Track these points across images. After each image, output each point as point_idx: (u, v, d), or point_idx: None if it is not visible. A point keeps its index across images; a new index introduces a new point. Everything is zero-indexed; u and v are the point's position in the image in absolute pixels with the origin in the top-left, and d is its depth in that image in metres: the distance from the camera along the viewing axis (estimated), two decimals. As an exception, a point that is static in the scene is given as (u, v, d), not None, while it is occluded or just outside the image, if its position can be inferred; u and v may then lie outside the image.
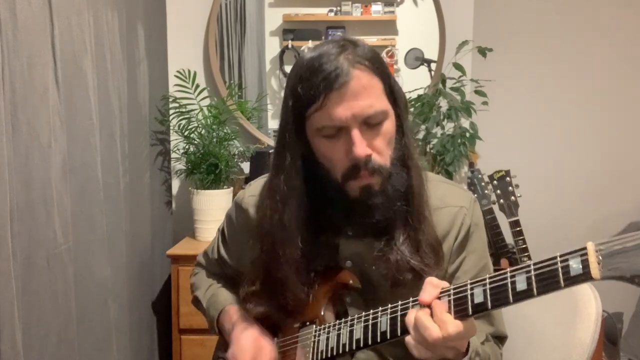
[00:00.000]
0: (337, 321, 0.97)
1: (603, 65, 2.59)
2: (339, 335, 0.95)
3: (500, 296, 0.77)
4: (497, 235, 2.12)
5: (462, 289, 0.81)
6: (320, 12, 2.40)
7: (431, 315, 0.81)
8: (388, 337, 0.88)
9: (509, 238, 2.12)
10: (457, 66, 2.30)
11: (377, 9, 2.40)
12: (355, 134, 0.92)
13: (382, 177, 0.95)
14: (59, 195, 1.36)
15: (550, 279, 0.72)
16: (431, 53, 2.41)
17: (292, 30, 2.41)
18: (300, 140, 0.98)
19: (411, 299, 0.87)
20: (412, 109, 2.25)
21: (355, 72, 0.92)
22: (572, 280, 0.70)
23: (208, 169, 2.12)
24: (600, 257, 0.68)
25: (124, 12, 1.83)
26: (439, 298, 0.82)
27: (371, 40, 2.38)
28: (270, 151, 2.19)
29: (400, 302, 0.88)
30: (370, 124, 0.94)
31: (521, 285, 0.75)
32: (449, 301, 0.81)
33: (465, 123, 2.31)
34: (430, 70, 2.41)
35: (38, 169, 1.30)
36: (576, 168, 2.63)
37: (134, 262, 1.93)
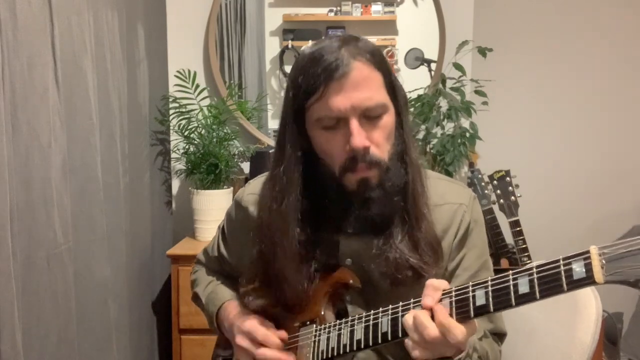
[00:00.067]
0: (338, 321, 0.97)
1: (603, 65, 2.59)
2: (339, 336, 0.95)
3: (503, 299, 0.76)
4: (497, 235, 2.12)
5: (463, 290, 0.81)
6: (320, 12, 2.41)
7: (432, 319, 0.80)
8: (389, 338, 0.88)
9: (509, 238, 2.12)
10: (457, 66, 2.30)
11: (377, 9, 2.40)
12: (354, 124, 0.92)
13: (380, 171, 0.95)
14: (59, 195, 1.36)
15: (553, 283, 0.72)
16: (431, 53, 2.41)
17: (292, 30, 2.41)
18: (300, 133, 0.98)
19: (412, 300, 0.86)
20: (412, 109, 2.25)
21: (356, 63, 0.93)
22: (575, 284, 0.70)
23: (208, 169, 2.12)
24: (604, 261, 0.68)
25: (124, 12, 1.83)
26: (440, 300, 0.82)
27: (371, 40, 2.38)
28: (271, 151, 2.20)
29: (401, 303, 0.88)
30: (369, 116, 0.94)
31: (523, 288, 0.74)
32: (451, 303, 0.81)
33: (465, 123, 2.31)
34: (430, 70, 2.41)
35: (38, 169, 1.30)
36: (576, 168, 2.63)
37: (134, 262, 1.93)
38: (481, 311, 0.78)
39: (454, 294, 0.81)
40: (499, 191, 2.08)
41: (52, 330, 1.35)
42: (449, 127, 2.31)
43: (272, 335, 1.02)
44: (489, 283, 0.78)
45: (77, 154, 1.48)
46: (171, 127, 2.23)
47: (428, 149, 2.29)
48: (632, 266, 0.66)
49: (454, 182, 1.12)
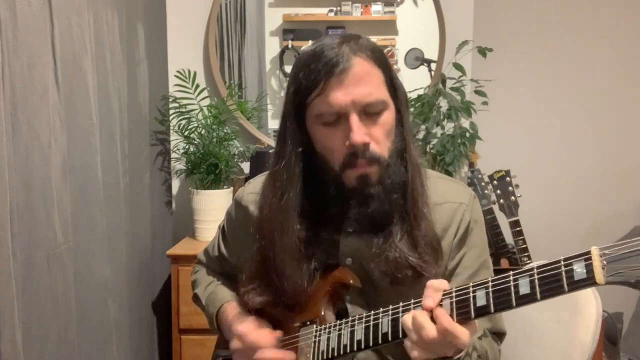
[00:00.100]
0: (338, 321, 0.97)
1: (603, 65, 2.59)
2: (339, 336, 0.95)
3: (503, 300, 0.76)
4: (497, 235, 2.12)
5: (464, 291, 0.80)
6: (320, 12, 2.41)
7: (433, 320, 0.80)
8: (389, 338, 0.88)
9: (509, 238, 2.12)
10: (457, 66, 2.30)
11: (377, 9, 2.40)
12: (354, 120, 0.93)
13: (380, 168, 0.95)
14: (59, 195, 1.36)
15: (553, 283, 0.72)
16: (431, 53, 2.41)
17: (292, 30, 2.41)
18: (300, 129, 0.99)
19: (412, 300, 0.86)
20: (412, 109, 2.25)
21: (356, 59, 0.93)
22: (576, 285, 0.70)
23: (208, 169, 2.12)
24: (605, 262, 0.68)
25: (124, 12, 1.83)
26: (440, 304, 0.82)
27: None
28: (271, 151, 2.19)
29: (401, 304, 0.88)
30: (369, 113, 0.94)
31: (524, 289, 0.74)
32: (451, 303, 0.81)
33: (465, 123, 2.31)
34: (430, 70, 2.41)
35: (38, 169, 1.30)
36: (576, 168, 2.63)
37: (134, 262, 1.93)
38: (482, 312, 0.78)
39: (454, 294, 0.81)
40: (499, 191, 2.08)
41: (52, 330, 1.35)
42: (449, 127, 2.31)
43: (265, 336, 1.02)
44: (490, 284, 0.78)
45: (77, 154, 1.48)
46: (171, 127, 2.23)
47: (428, 149, 2.29)
48: (633, 267, 0.66)
49: (454, 182, 1.12)
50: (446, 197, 1.04)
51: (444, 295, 0.82)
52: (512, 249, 2.13)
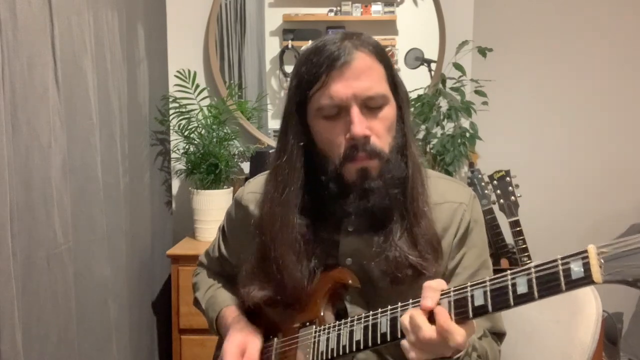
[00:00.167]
0: (337, 322, 0.97)
1: (603, 65, 2.59)
2: (339, 336, 0.95)
3: (501, 299, 0.76)
4: (497, 235, 2.12)
5: (462, 291, 0.80)
6: (320, 12, 2.41)
7: (433, 322, 0.80)
8: (388, 339, 0.88)
9: (509, 238, 2.12)
10: (457, 66, 2.30)
11: (377, 9, 2.40)
12: (355, 112, 0.93)
13: (380, 162, 0.96)
14: (59, 195, 1.36)
15: (551, 282, 0.71)
16: (431, 53, 2.41)
17: (292, 30, 2.41)
18: (302, 125, 0.99)
19: (411, 300, 0.86)
20: (412, 109, 2.25)
21: (358, 53, 0.94)
22: (574, 284, 0.70)
23: (208, 169, 2.12)
24: (602, 261, 0.67)
25: (124, 12, 1.83)
26: (438, 302, 0.81)
27: (371, 40, 2.38)
28: (271, 151, 2.19)
29: (400, 304, 0.88)
30: (370, 107, 0.95)
31: (522, 288, 0.74)
32: (449, 303, 0.80)
33: (465, 123, 2.31)
34: (430, 70, 2.41)
35: (38, 169, 1.30)
36: (576, 168, 2.63)
37: (134, 262, 1.93)
38: (480, 311, 0.78)
39: (452, 294, 0.81)
40: (499, 191, 2.08)
41: (52, 330, 1.35)
42: (449, 127, 2.31)
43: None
44: (487, 283, 0.78)
45: (77, 154, 1.48)
46: (171, 127, 2.23)
47: (428, 149, 2.29)
48: (631, 265, 0.66)
49: (454, 181, 1.12)
50: (446, 197, 1.04)
51: (442, 295, 0.82)
52: (512, 249, 2.13)
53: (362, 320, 0.92)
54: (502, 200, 2.08)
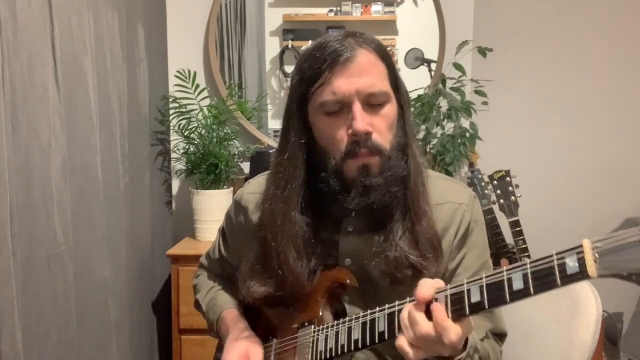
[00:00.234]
0: (336, 321, 0.97)
1: (603, 65, 2.59)
2: (337, 335, 0.95)
3: (497, 295, 0.76)
4: (497, 235, 2.12)
5: (458, 288, 0.80)
6: (320, 12, 2.41)
7: (430, 319, 0.80)
8: (386, 337, 0.88)
9: (509, 238, 2.12)
10: (457, 66, 2.30)
11: (377, 9, 2.40)
12: (357, 108, 0.93)
13: (381, 159, 0.96)
14: (59, 195, 1.36)
15: (546, 277, 0.72)
16: (431, 53, 2.41)
17: (292, 30, 2.41)
18: (303, 123, 0.99)
19: (408, 298, 0.86)
20: (412, 109, 2.25)
21: (361, 50, 0.95)
22: (569, 279, 0.70)
23: (208, 169, 2.12)
24: (597, 255, 0.67)
25: (124, 12, 1.83)
26: (435, 299, 0.82)
27: (371, 40, 2.38)
28: (271, 151, 2.20)
29: (397, 302, 0.88)
30: (372, 104, 0.95)
31: (517, 283, 0.74)
32: (446, 299, 0.81)
33: (465, 123, 2.31)
34: (430, 70, 2.41)
35: (38, 169, 1.30)
36: (576, 168, 2.63)
37: (134, 262, 1.93)
38: (476, 308, 0.78)
39: (448, 291, 0.81)
40: (499, 191, 2.08)
41: (52, 330, 1.35)
42: (449, 127, 2.31)
43: None
44: (483, 280, 0.78)
45: (77, 154, 1.48)
46: (171, 127, 2.23)
47: (428, 149, 2.29)
48: (625, 259, 0.66)
49: (454, 182, 1.12)
50: (446, 197, 1.04)
51: (438, 292, 0.82)
52: (512, 249, 2.13)
53: (360, 318, 0.92)
54: (502, 200, 2.07)
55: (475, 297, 0.78)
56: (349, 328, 0.93)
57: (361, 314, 0.93)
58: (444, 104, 2.31)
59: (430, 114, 2.25)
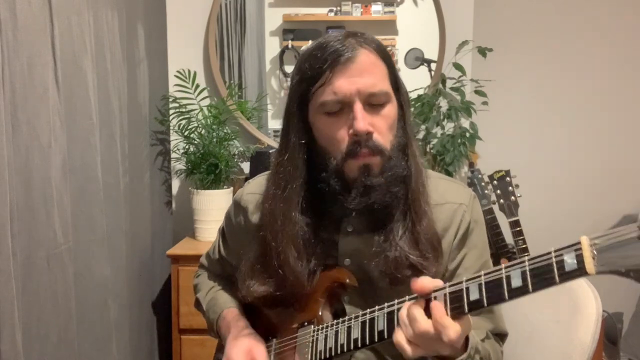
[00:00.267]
0: (335, 321, 0.97)
1: (603, 65, 2.59)
2: (336, 335, 0.95)
3: (495, 292, 0.76)
4: (497, 235, 2.12)
5: (457, 286, 0.81)
6: (320, 12, 2.41)
7: (429, 317, 0.80)
8: (385, 336, 0.88)
9: (509, 238, 2.12)
10: (457, 66, 2.30)
11: (377, 9, 2.40)
12: (358, 108, 0.93)
13: (382, 159, 0.96)
14: (59, 195, 1.36)
15: (544, 275, 0.72)
16: (431, 53, 2.41)
17: (292, 30, 2.41)
18: (304, 123, 0.99)
19: (407, 297, 0.86)
20: (412, 109, 2.25)
21: (362, 50, 0.95)
22: (567, 276, 0.70)
23: (208, 169, 2.12)
24: (595, 252, 0.68)
25: (124, 12, 1.83)
26: (434, 297, 0.82)
27: (371, 40, 2.38)
28: (271, 151, 2.20)
29: (396, 300, 0.88)
30: (373, 104, 0.95)
31: (516, 281, 0.74)
32: (445, 294, 0.81)
33: (465, 123, 2.31)
34: (430, 70, 2.41)
35: (38, 169, 1.30)
36: (576, 168, 2.63)
37: (134, 262, 1.93)
38: (475, 306, 0.78)
39: (447, 289, 0.81)
40: (499, 191, 2.08)
41: (52, 330, 1.35)
42: (449, 127, 2.31)
43: None
44: (482, 277, 0.78)
45: (77, 154, 1.48)
46: (171, 127, 2.23)
47: (428, 149, 2.29)
48: (623, 256, 0.66)
49: (454, 182, 1.11)
50: (446, 198, 1.04)
51: (437, 290, 0.82)
52: (512, 249, 2.13)
53: (360, 318, 0.92)
54: (502, 200, 2.07)
55: (474, 295, 0.78)
56: (349, 327, 0.93)
57: (360, 312, 0.93)
58: (444, 104, 2.31)
59: (430, 114, 2.25)
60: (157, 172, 2.26)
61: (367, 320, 0.91)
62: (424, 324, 0.79)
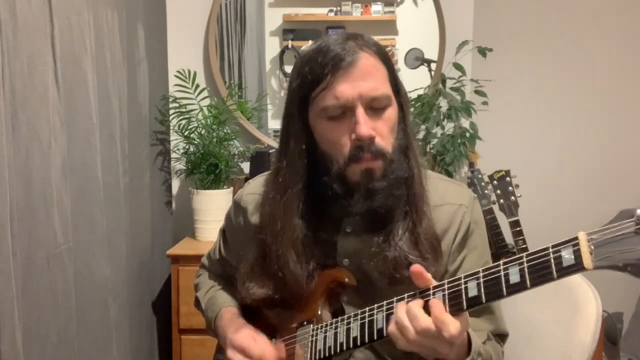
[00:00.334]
0: (334, 320, 0.97)
1: (603, 66, 2.59)
2: (336, 334, 0.95)
3: (494, 289, 0.77)
4: (497, 235, 2.12)
5: (456, 283, 0.81)
6: (320, 12, 2.41)
7: (428, 314, 0.80)
8: (384, 334, 0.88)
9: (509, 238, 2.12)
10: (457, 66, 2.30)
11: (377, 9, 2.40)
12: (360, 112, 0.93)
13: (384, 162, 0.96)
14: (59, 195, 1.36)
15: (542, 270, 0.72)
16: (431, 53, 2.41)
17: (292, 30, 2.41)
18: (304, 127, 0.99)
19: (406, 295, 0.87)
20: (412, 109, 2.25)
21: (363, 54, 0.94)
22: (565, 271, 0.70)
23: (208, 169, 2.12)
24: (592, 247, 0.68)
25: (124, 12, 1.83)
26: (433, 294, 0.82)
27: (371, 40, 2.38)
28: (271, 151, 2.20)
29: (395, 299, 0.88)
30: (374, 107, 0.95)
31: (514, 277, 0.75)
32: (443, 295, 0.81)
33: (465, 123, 2.31)
34: (430, 70, 2.41)
35: (38, 169, 1.30)
36: (576, 168, 2.63)
37: (134, 262, 1.93)
38: (474, 302, 0.78)
39: (446, 286, 0.82)
40: (499, 191, 2.08)
41: (52, 330, 1.35)
42: (449, 127, 2.31)
43: (269, 351, 1.01)
44: (480, 274, 0.79)
45: (77, 154, 1.48)
46: (171, 127, 2.23)
47: (428, 149, 2.29)
48: (621, 250, 0.66)
49: (454, 183, 1.11)
50: (446, 199, 1.04)
51: (436, 287, 0.82)
52: (512, 249, 2.13)
53: (359, 316, 0.93)
54: (502, 200, 2.07)
55: (472, 292, 0.78)
56: (348, 326, 0.94)
57: (359, 311, 0.93)
58: (444, 104, 2.31)
59: (430, 114, 2.25)
60: (157, 172, 2.26)
61: (367, 319, 0.91)
62: (425, 321, 0.79)
